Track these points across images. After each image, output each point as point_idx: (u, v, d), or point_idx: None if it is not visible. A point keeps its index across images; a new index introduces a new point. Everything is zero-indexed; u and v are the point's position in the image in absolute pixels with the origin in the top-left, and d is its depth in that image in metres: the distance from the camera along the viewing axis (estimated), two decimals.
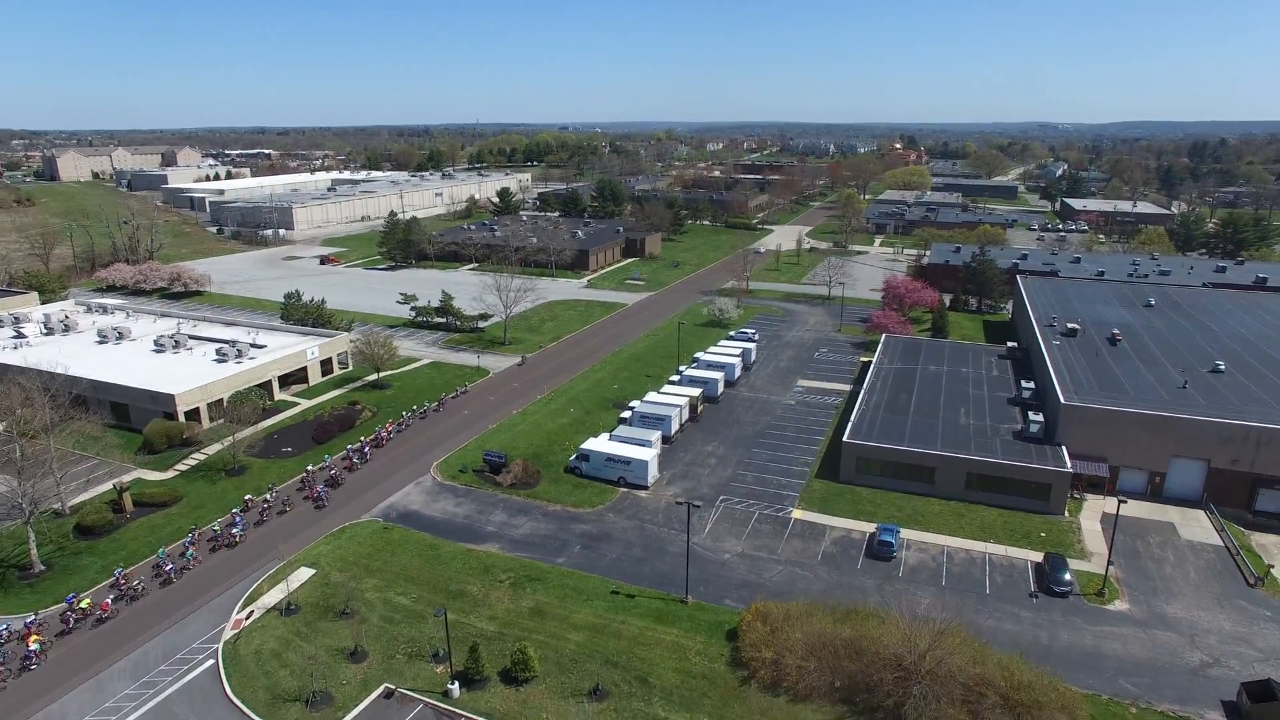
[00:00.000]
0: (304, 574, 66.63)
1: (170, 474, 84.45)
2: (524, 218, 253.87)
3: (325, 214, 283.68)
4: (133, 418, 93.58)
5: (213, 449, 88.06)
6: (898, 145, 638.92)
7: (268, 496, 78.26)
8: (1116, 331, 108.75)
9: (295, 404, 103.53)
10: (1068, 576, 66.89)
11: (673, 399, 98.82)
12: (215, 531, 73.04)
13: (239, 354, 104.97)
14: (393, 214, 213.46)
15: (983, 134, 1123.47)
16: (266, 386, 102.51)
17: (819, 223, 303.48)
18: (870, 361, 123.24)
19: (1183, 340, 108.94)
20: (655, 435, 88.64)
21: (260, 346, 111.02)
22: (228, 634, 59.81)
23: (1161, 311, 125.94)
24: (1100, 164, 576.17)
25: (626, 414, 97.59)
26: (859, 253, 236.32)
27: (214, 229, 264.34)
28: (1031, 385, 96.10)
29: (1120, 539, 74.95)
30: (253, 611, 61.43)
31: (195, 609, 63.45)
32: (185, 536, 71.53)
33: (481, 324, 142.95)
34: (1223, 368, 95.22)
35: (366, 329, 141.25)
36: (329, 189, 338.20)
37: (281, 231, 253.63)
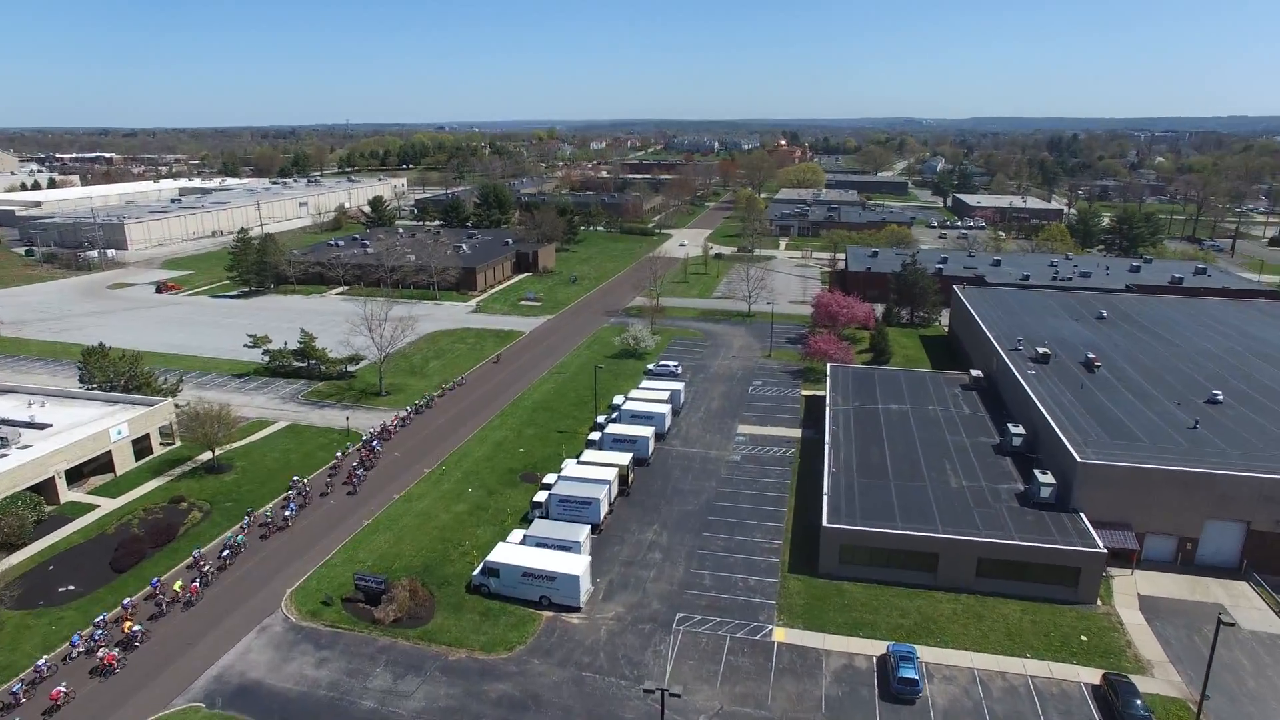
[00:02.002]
0: None
1: None
2: (400, 230, 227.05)
3: (167, 230, 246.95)
4: None
5: None
6: (783, 142, 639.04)
7: (302, 481, 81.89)
8: (1092, 355, 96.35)
9: (92, 507, 76.88)
10: (1141, 707, 51.39)
11: (598, 471, 78.70)
12: (267, 516, 75.21)
13: (3, 442, 77.32)
14: (243, 231, 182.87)
15: (854, 129, 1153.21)
16: (46, 487, 75.62)
17: (718, 224, 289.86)
18: (814, 396, 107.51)
19: (1158, 362, 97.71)
20: (583, 532, 68.36)
21: (42, 426, 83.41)
22: None
23: (1117, 325, 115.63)
24: (974, 159, 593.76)
25: (541, 495, 76.80)
26: (766, 257, 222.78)
27: (24, 250, 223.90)
28: (1021, 431, 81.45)
29: (1169, 630, 60.82)
30: None
31: None
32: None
33: (352, 368, 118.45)
34: (1220, 398, 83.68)
35: (206, 380, 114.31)
36: (173, 200, 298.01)
37: (110, 253, 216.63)
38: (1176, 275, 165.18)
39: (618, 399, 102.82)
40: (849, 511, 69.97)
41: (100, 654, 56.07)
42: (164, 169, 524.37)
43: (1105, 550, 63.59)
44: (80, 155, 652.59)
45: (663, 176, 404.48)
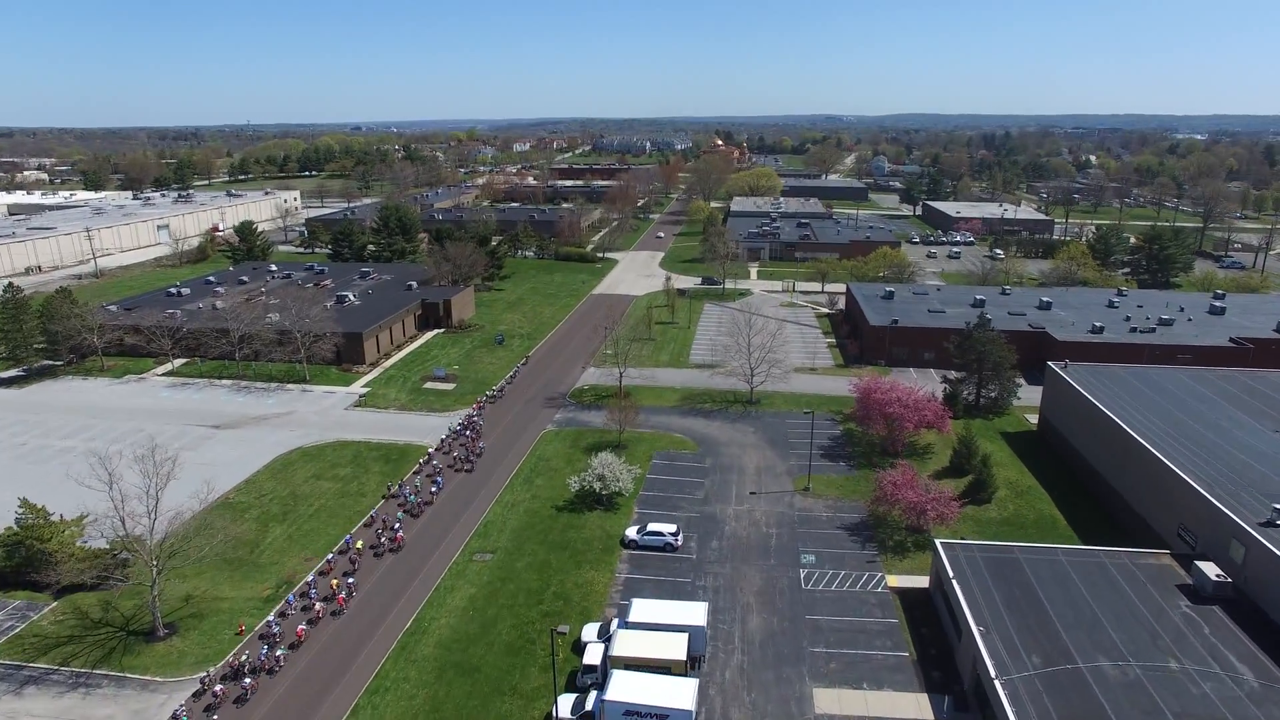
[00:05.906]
0: None
1: None
2: (272, 269, 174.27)
3: None
4: None
5: None
6: (719, 142, 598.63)
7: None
8: None
9: None
10: None
11: None
12: (416, 488, 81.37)
13: None
14: (11, 284, 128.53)
15: (779, 127, 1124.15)
16: None
17: (670, 245, 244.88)
18: (913, 589, 63.52)
19: None
20: None
21: None
22: None
23: None
24: (916, 158, 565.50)
25: None
26: (740, 293, 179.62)
27: None
28: None
29: None
30: None
31: None
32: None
33: (124, 558, 68.67)
34: None
35: None
36: None
37: None
38: None
39: (589, 643, 56.57)
40: None
41: None
42: (7, 177, 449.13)
43: None
44: None
45: (598, 183, 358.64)
